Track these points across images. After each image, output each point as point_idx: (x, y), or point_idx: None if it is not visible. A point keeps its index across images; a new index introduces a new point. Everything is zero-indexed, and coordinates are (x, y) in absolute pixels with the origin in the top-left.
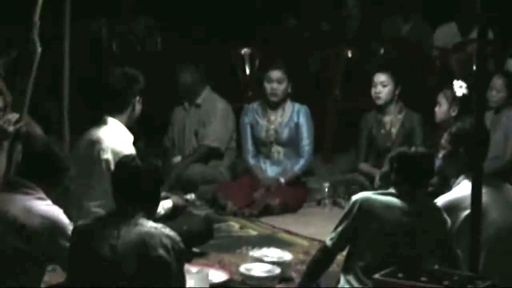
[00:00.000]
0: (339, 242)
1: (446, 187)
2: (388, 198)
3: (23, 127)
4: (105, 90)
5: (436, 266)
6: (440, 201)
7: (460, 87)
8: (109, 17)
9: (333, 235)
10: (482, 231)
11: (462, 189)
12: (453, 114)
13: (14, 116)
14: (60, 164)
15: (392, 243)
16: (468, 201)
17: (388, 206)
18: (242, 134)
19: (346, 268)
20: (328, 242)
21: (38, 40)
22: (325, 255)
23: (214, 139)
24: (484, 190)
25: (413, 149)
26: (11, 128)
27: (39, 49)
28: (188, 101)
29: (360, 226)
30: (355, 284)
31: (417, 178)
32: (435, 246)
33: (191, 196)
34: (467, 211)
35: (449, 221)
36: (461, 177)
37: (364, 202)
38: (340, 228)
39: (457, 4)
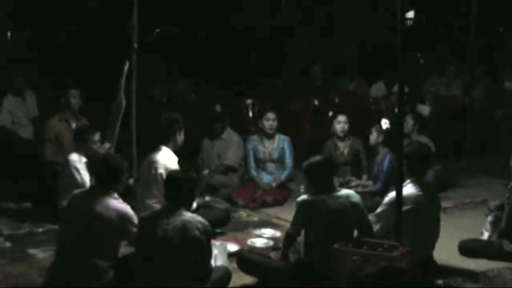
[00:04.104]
0: (296, 228)
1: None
2: (318, 197)
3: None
4: (157, 128)
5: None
6: (391, 195)
7: (385, 123)
8: (160, 81)
9: (292, 223)
10: (418, 219)
11: (407, 188)
12: (380, 140)
13: (107, 145)
14: (122, 173)
15: (326, 226)
16: (410, 199)
17: (319, 202)
18: (247, 156)
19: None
20: (290, 228)
21: (123, 96)
22: (288, 237)
23: (231, 160)
24: (420, 193)
25: (316, 158)
26: (102, 151)
27: (124, 102)
28: (217, 135)
29: (305, 217)
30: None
31: (322, 180)
32: (355, 223)
33: (208, 198)
34: (409, 206)
35: (360, 204)
36: (406, 181)
37: (303, 202)
38: (295, 219)
39: (384, 70)
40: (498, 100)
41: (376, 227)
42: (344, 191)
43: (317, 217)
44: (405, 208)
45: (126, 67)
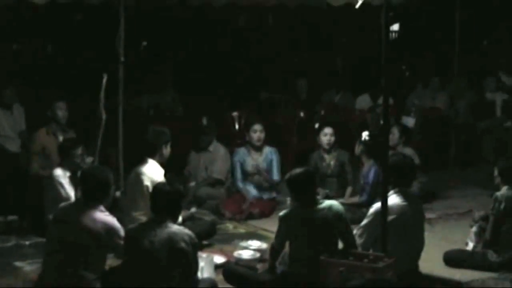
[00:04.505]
0: (279, 242)
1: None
2: (300, 210)
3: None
4: (143, 141)
5: None
6: (375, 207)
7: (365, 135)
8: (148, 93)
9: (276, 237)
10: (402, 229)
11: (391, 199)
12: (359, 152)
13: (90, 159)
14: (108, 186)
15: (309, 239)
16: (393, 209)
17: (301, 215)
18: (234, 168)
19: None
20: (274, 242)
21: (103, 110)
22: (273, 251)
23: (219, 173)
24: (404, 203)
25: (297, 170)
26: (84, 165)
27: (104, 116)
28: (203, 148)
29: (288, 230)
30: None
31: (304, 193)
32: (339, 234)
33: (194, 209)
34: (394, 216)
35: (343, 215)
36: (391, 192)
37: (285, 216)
38: (278, 233)
39: (369, 82)
40: (481, 111)
41: (361, 239)
42: (327, 203)
43: (300, 230)
44: (389, 218)
45: (105, 80)
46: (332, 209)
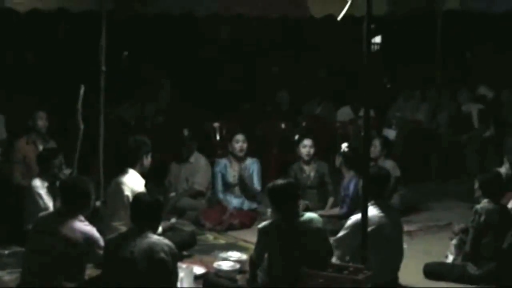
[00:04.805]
0: (258, 255)
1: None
2: (280, 223)
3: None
4: (124, 151)
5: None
6: (353, 218)
7: (344, 147)
8: (129, 103)
9: (255, 250)
10: (379, 241)
11: (368, 212)
12: (338, 163)
13: (68, 171)
14: (88, 195)
15: (288, 252)
16: (371, 220)
17: (281, 227)
18: (215, 179)
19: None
20: (253, 255)
21: (81, 120)
22: (252, 263)
23: (201, 185)
24: (381, 215)
25: (279, 181)
26: (63, 176)
27: (82, 127)
28: (184, 159)
29: (267, 243)
30: None
31: (285, 204)
32: (315, 246)
33: (174, 220)
34: (372, 227)
35: (323, 229)
36: (368, 204)
37: (264, 229)
38: (257, 246)
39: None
40: (460, 124)
41: (337, 251)
42: (307, 216)
43: (279, 242)
44: (368, 229)
45: (82, 91)
46: (312, 223)
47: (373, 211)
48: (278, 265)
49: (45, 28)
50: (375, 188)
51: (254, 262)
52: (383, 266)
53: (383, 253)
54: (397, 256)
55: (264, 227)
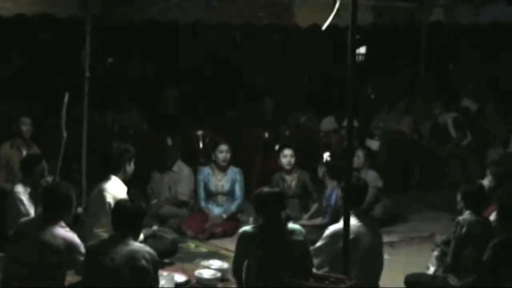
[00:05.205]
0: (238, 261)
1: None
2: (261, 230)
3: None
4: (107, 157)
5: None
6: (331, 228)
7: (326, 156)
8: (113, 111)
9: (235, 256)
10: (357, 251)
11: None
12: (322, 174)
13: (51, 177)
14: (70, 201)
15: (267, 260)
16: (350, 230)
17: (261, 235)
18: (198, 187)
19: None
20: (234, 262)
21: (64, 128)
22: (236, 271)
23: (183, 195)
24: (359, 224)
25: (265, 189)
26: (45, 183)
27: (65, 135)
28: (167, 167)
29: (246, 249)
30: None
31: (269, 213)
32: (297, 258)
33: (156, 227)
34: (350, 236)
35: (305, 241)
36: None
37: (244, 234)
38: (237, 251)
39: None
40: (442, 135)
41: (316, 261)
42: (290, 226)
43: (259, 250)
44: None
45: (66, 98)
46: (294, 234)
47: (351, 220)
48: (257, 273)
49: (30, 33)
50: (352, 198)
51: (236, 269)
52: (362, 276)
53: (362, 262)
54: (377, 266)
55: (246, 232)
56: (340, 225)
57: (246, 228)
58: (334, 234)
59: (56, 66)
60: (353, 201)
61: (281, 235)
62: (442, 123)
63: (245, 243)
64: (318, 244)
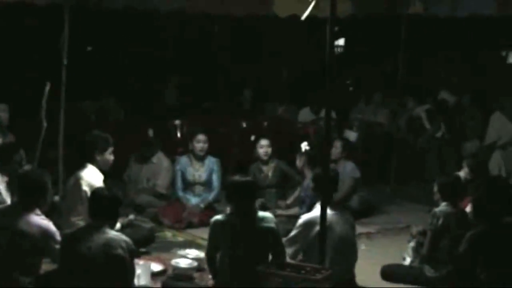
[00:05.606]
0: (211, 249)
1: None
2: (233, 218)
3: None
4: (83, 145)
5: None
6: (304, 217)
7: (304, 146)
8: (91, 99)
9: (208, 244)
10: (330, 240)
11: (317, 210)
12: (301, 164)
13: (29, 166)
14: (45, 189)
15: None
16: (319, 219)
17: (233, 223)
18: (175, 177)
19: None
20: (207, 251)
21: (44, 118)
22: (209, 259)
23: (162, 187)
24: (332, 213)
25: (236, 178)
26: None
27: (45, 124)
28: (147, 158)
29: (218, 237)
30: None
31: (240, 201)
32: (267, 244)
33: (133, 216)
34: (319, 226)
35: (275, 228)
36: (317, 203)
37: (216, 222)
38: (209, 240)
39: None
40: (417, 128)
41: (289, 250)
42: (261, 214)
43: (229, 238)
44: (315, 230)
45: (47, 88)
46: (264, 221)
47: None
48: (230, 261)
49: (8, 21)
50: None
51: (210, 257)
52: (335, 265)
53: (335, 251)
54: (350, 255)
55: (217, 220)
56: (313, 213)
57: (218, 216)
58: (307, 223)
59: (34, 54)
60: (325, 191)
61: (251, 222)
62: (416, 116)
63: (216, 232)
64: (292, 233)
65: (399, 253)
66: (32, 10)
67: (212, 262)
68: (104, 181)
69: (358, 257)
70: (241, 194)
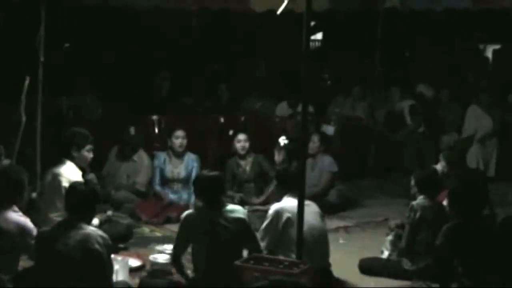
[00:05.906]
0: (179, 245)
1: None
2: (203, 213)
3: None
4: (61, 142)
5: None
6: (273, 207)
7: (283, 140)
8: (68, 95)
9: (176, 241)
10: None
11: (285, 201)
12: (280, 158)
13: (7, 161)
14: (22, 185)
15: (210, 243)
16: (287, 209)
17: (202, 217)
18: (154, 173)
19: None
20: (174, 249)
21: (24, 113)
22: (175, 259)
23: (142, 186)
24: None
25: (203, 173)
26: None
27: (24, 119)
28: (127, 156)
29: (188, 232)
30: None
31: (209, 196)
32: (241, 238)
33: (110, 212)
34: (287, 214)
35: (246, 219)
36: (286, 195)
37: (187, 217)
38: (178, 236)
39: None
40: (394, 122)
41: (263, 242)
42: (230, 207)
43: (201, 233)
44: (284, 217)
45: (27, 82)
46: (234, 213)
47: (290, 201)
48: (202, 256)
49: None
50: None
51: (176, 254)
52: (308, 253)
53: (307, 241)
54: (320, 246)
55: (187, 215)
56: (281, 203)
57: (188, 211)
58: (276, 212)
59: (11, 50)
60: (290, 186)
61: (220, 215)
62: (399, 110)
63: (187, 226)
64: (263, 225)
65: (377, 246)
66: (8, 6)
67: (178, 259)
68: (83, 176)
69: (336, 251)
70: (208, 189)
